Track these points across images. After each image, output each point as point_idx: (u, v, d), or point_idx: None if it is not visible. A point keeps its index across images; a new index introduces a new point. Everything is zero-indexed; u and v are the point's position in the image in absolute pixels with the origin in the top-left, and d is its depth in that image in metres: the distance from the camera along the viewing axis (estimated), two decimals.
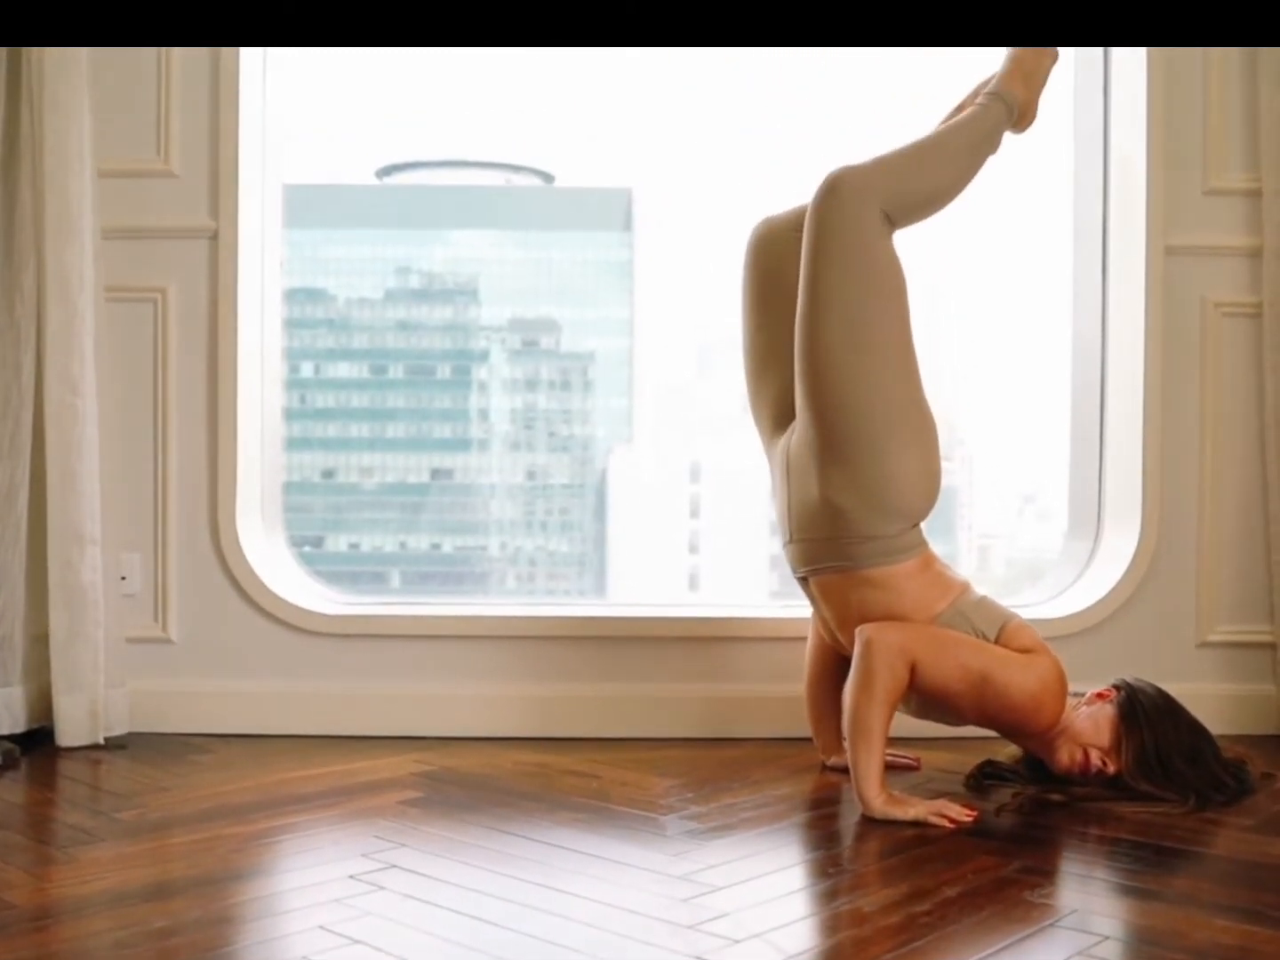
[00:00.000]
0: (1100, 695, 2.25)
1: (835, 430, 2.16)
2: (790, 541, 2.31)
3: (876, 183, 2.18)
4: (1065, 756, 2.21)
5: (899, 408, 2.17)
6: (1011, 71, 2.33)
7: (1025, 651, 2.18)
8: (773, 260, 2.39)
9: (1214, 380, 2.86)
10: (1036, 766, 2.29)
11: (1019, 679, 2.13)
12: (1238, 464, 2.87)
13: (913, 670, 2.12)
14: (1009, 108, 2.30)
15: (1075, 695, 2.24)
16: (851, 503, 2.17)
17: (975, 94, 2.39)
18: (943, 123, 2.38)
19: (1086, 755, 2.20)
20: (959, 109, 2.42)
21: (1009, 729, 2.21)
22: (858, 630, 2.16)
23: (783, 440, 2.32)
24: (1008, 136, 2.34)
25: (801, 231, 2.24)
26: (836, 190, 2.17)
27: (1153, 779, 2.16)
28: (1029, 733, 2.21)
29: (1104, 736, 2.20)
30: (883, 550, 2.19)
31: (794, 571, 2.35)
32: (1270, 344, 2.81)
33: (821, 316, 2.15)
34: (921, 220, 2.25)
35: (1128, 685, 2.24)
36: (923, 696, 2.17)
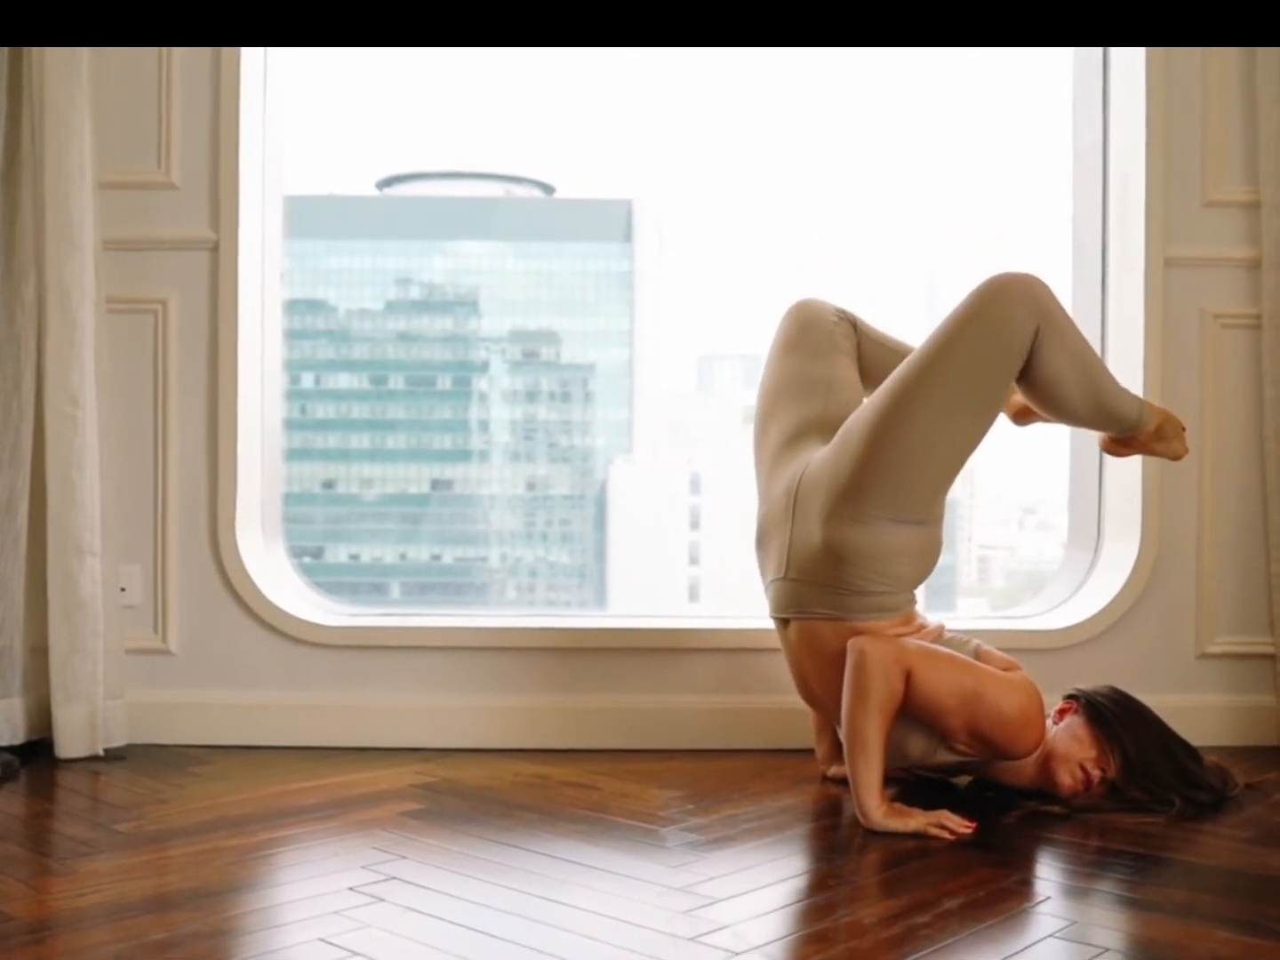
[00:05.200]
0: (1063, 711, 2.29)
1: (867, 482, 2.15)
2: (783, 579, 2.28)
3: (1053, 315, 2.13)
4: (1067, 778, 2.21)
5: (930, 491, 2.18)
6: (1160, 414, 2.31)
7: (1005, 670, 2.23)
8: (811, 316, 2.50)
9: (1213, 391, 2.86)
10: None
11: (1008, 694, 2.16)
12: (1237, 474, 2.87)
13: (906, 682, 2.12)
14: (1136, 420, 2.27)
15: None
16: (851, 556, 2.18)
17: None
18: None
19: (1085, 770, 2.21)
20: None
21: (997, 747, 2.19)
22: (851, 643, 2.17)
23: (790, 470, 2.30)
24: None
25: (840, 317, 2.48)
26: (1029, 288, 2.13)
27: (1138, 782, 2.18)
28: (1016, 752, 2.19)
29: (1087, 747, 2.22)
30: (874, 606, 2.21)
31: (776, 611, 2.33)
32: (1269, 355, 2.81)
33: (934, 378, 2.13)
34: (1022, 390, 2.20)
35: (1083, 693, 2.28)
36: (913, 713, 2.16)
